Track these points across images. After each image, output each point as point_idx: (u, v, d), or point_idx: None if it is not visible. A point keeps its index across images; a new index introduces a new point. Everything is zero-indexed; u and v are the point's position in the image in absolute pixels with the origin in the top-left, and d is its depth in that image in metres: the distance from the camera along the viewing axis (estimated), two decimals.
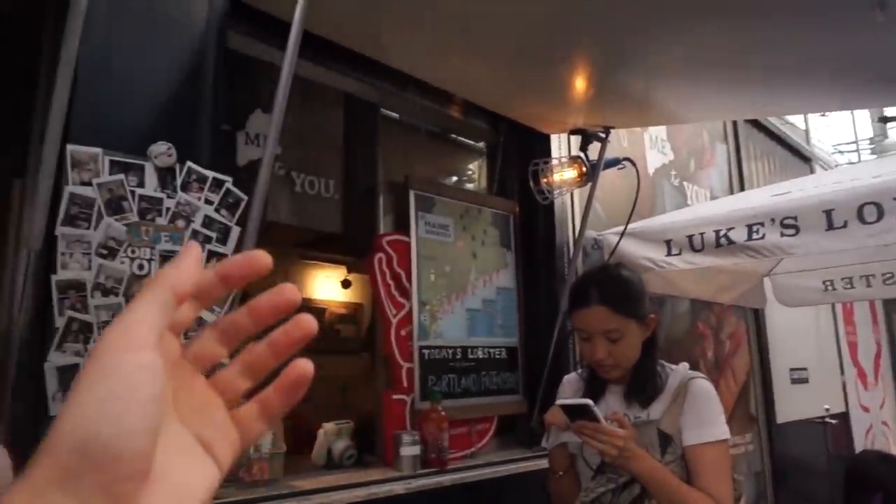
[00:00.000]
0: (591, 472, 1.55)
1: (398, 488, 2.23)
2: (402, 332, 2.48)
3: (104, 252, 1.55)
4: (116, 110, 1.61)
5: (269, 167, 1.57)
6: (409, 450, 2.34)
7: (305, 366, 0.35)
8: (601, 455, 1.42)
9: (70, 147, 1.49)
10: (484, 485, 2.49)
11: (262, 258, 0.33)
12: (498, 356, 2.87)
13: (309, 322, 0.35)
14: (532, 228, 3.13)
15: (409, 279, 2.52)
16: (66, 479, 0.25)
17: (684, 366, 1.60)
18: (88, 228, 1.53)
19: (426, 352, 2.55)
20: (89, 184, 1.53)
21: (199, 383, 0.33)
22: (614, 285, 1.52)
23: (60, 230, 1.49)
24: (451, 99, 2.85)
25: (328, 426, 2.52)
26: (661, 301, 3.72)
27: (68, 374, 1.51)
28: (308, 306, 5.27)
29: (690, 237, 2.78)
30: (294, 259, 4.86)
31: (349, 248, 3.24)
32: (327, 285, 5.33)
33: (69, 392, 0.27)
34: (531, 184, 2.79)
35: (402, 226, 2.58)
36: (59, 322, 1.49)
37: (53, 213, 1.48)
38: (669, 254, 2.86)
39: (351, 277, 5.23)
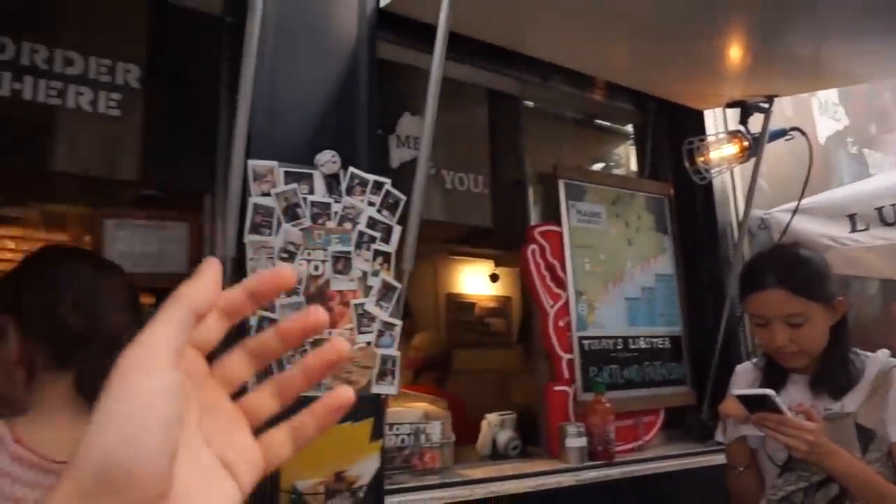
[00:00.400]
0: (777, 469, 1.42)
1: (567, 480, 2.21)
2: (560, 323, 2.45)
3: (284, 255, 1.70)
4: (286, 125, 1.75)
5: (425, 166, 1.63)
6: (576, 441, 2.30)
7: (347, 393, 0.35)
8: (788, 450, 1.30)
9: (251, 162, 1.64)
10: (654, 479, 2.39)
11: (287, 274, 0.34)
12: (661, 346, 2.74)
13: (342, 346, 0.35)
14: (690, 211, 2.95)
15: (563, 269, 2.48)
16: (87, 500, 0.25)
17: (884, 353, 1.42)
18: (270, 235, 1.68)
19: (586, 342, 2.50)
20: (268, 194, 1.68)
21: (225, 403, 0.33)
22: (792, 265, 1.39)
23: (248, 238, 1.65)
24: (594, 83, 2.76)
25: (492, 417, 2.56)
26: (846, 283, 3.34)
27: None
28: (459, 301, 5.40)
29: (880, 209, 2.46)
30: (442, 255, 5.00)
31: (500, 242, 3.27)
32: (476, 280, 5.41)
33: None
34: (686, 164, 2.63)
35: (552, 216, 2.55)
36: (253, 321, 1.65)
37: (241, 223, 1.64)
38: (854, 230, 2.56)
39: (498, 271, 5.28)
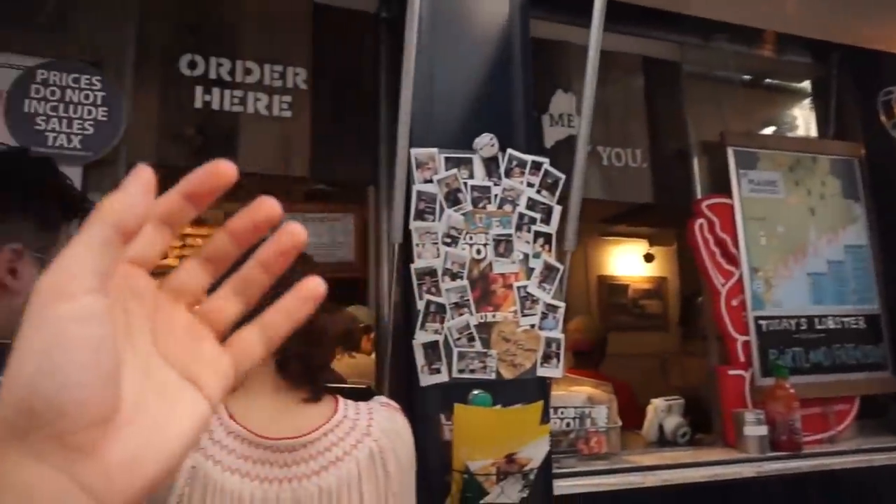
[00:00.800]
0: None
1: (747, 471, 2.05)
2: (734, 303, 2.27)
3: (448, 240, 1.73)
4: (444, 111, 1.77)
5: (585, 141, 1.57)
6: (755, 430, 2.13)
7: (316, 282, 0.32)
8: None
9: (413, 150, 1.69)
10: (848, 475, 2.15)
11: (225, 166, 0.30)
12: (854, 326, 2.44)
13: (297, 230, 0.31)
14: (887, 173, 2.59)
15: (735, 244, 2.29)
16: (18, 437, 0.24)
17: None
18: (434, 220, 1.72)
19: (763, 323, 2.30)
20: (430, 181, 1.72)
21: (181, 317, 0.31)
22: None
23: (413, 224, 1.70)
24: (763, 38, 2.51)
25: (658, 402, 2.44)
26: None
27: (430, 350, 1.72)
28: (611, 283, 5.23)
29: None
30: (593, 236, 4.86)
31: (659, 219, 3.10)
32: (629, 261, 5.21)
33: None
34: (882, 118, 2.30)
35: (721, 187, 2.36)
36: (420, 305, 1.71)
37: (407, 211, 1.69)
38: None
39: (653, 251, 5.03)
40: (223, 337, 0.31)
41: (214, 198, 0.30)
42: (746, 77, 2.70)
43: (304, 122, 2.05)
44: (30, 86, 1.75)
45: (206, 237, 3.97)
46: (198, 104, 1.98)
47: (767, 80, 2.79)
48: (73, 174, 1.68)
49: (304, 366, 0.92)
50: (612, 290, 5.27)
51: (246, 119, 2.01)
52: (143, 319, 0.29)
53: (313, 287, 0.32)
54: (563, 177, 1.81)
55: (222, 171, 0.30)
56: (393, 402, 1.07)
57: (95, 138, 1.78)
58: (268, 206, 0.31)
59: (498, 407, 1.71)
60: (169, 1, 2.01)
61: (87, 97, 1.79)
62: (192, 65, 1.99)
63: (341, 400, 0.98)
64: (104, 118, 1.79)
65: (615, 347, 4.59)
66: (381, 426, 0.95)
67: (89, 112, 1.79)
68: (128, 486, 0.25)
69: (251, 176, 2.10)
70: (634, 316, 5.28)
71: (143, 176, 0.27)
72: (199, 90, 1.98)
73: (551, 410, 1.98)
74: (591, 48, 1.55)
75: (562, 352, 1.84)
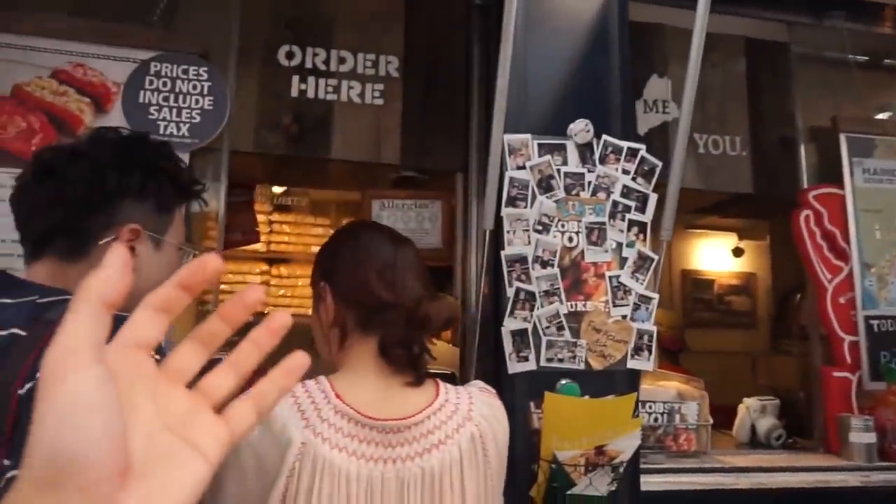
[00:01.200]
0: None
1: (852, 480, 1.93)
2: (841, 300, 2.13)
3: (539, 228, 1.71)
4: (539, 97, 1.75)
5: (686, 126, 1.51)
6: (862, 437, 2.00)
7: (301, 357, 0.36)
8: None
9: (506, 136, 1.68)
10: None
11: (213, 262, 0.34)
12: None
13: (283, 316, 0.36)
14: None
15: (845, 238, 2.15)
16: (47, 487, 0.28)
17: None
18: (525, 207, 1.70)
19: (875, 323, 2.15)
20: (523, 167, 1.70)
21: (179, 393, 0.34)
22: None
23: (505, 211, 1.69)
24: (881, 14, 2.32)
25: (750, 402, 2.34)
26: None
27: (519, 338, 1.71)
28: (696, 278, 5.04)
29: None
30: (678, 229, 4.69)
31: (755, 210, 2.95)
32: (716, 255, 4.99)
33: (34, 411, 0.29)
34: None
35: (831, 177, 2.22)
36: (509, 292, 1.70)
37: (499, 198, 1.68)
38: None
39: (743, 245, 4.80)
40: (220, 407, 0.35)
41: (204, 287, 0.34)
42: (862, 58, 2.51)
43: (396, 109, 2.07)
44: (144, 78, 1.86)
45: (291, 223, 4.09)
46: (294, 93, 2.04)
47: (887, 61, 2.58)
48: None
49: (407, 352, 0.94)
50: (696, 284, 5.08)
51: (340, 107, 2.06)
52: (146, 394, 0.32)
53: (299, 359, 0.36)
54: (659, 164, 1.75)
55: (210, 265, 0.34)
56: (490, 388, 1.07)
57: (202, 126, 1.87)
58: (255, 291, 0.35)
59: (587, 397, 1.69)
60: None
61: (194, 87, 1.88)
62: (290, 55, 2.06)
63: (442, 384, 0.99)
64: (210, 107, 1.88)
65: (697, 344, 4.43)
66: (482, 411, 0.96)
67: (196, 101, 1.88)
68: None
69: (342, 163, 2.15)
70: (719, 312, 5.07)
71: (120, 254, 0.31)
72: (295, 79, 2.05)
73: (639, 405, 1.93)
74: (696, 29, 1.48)
75: (654, 344, 1.79)
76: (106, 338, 0.30)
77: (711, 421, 2.10)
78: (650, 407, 2.05)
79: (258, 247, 4.29)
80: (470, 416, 0.94)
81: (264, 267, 4.58)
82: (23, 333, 0.73)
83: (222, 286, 3.12)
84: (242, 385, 0.36)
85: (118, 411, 0.29)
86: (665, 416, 2.06)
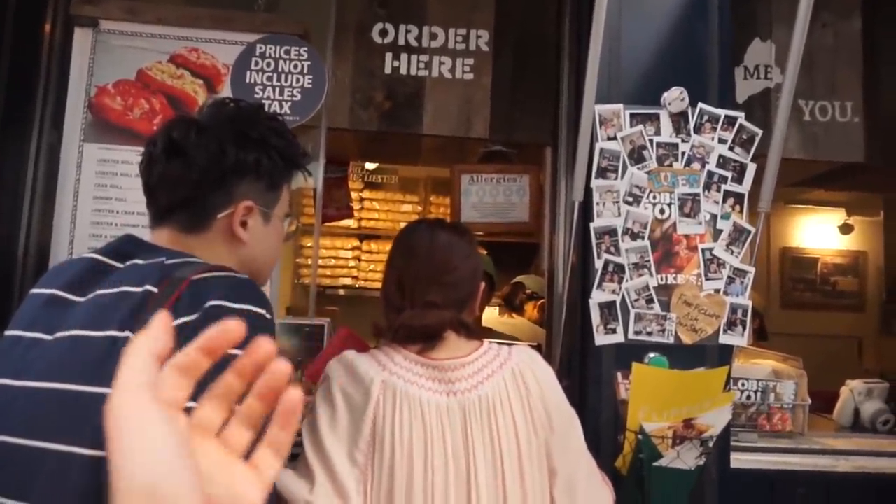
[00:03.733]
0: None
1: None
2: None
3: (630, 199, 1.70)
4: (631, 66, 1.73)
5: (791, 89, 1.45)
6: None
7: (293, 396, 0.36)
8: None
9: (597, 107, 1.67)
10: None
11: (235, 326, 0.35)
12: None
13: (283, 368, 0.36)
14: None
15: None
16: None
17: None
18: (616, 179, 1.70)
19: None
20: (614, 138, 1.69)
21: (211, 445, 0.36)
22: None
23: (595, 182, 1.69)
24: None
25: (855, 384, 2.23)
26: None
27: (606, 310, 1.72)
28: (796, 256, 4.77)
29: None
30: (778, 203, 4.45)
31: (867, 183, 2.76)
32: (820, 232, 4.71)
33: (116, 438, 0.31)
34: None
35: None
36: (598, 264, 1.71)
37: (588, 170, 1.69)
38: None
39: (852, 221, 4.49)
40: (243, 456, 0.37)
41: (224, 351, 0.35)
42: None
43: (486, 84, 2.10)
44: (250, 59, 1.98)
45: (381, 200, 4.23)
46: (387, 70, 2.12)
47: None
48: None
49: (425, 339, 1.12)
50: (797, 263, 4.81)
51: (431, 83, 2.11)
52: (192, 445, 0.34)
53: (293, 398, 0.37)
54: (759, 132, 1.69)
55: (231, 330, 0.35)
56: (532, 350, 1.27)
57: (302, 104, 1.98)
58: (265, 346, 0.36)
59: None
60: None
61: (295, 67, 1.99)
62: (384, 33, 2.13)
63: (485, 339, 1.18)
64: (309, 86, 1.98)
65: (797, 326, 4.21)
66: (519, 356, 1.15)
67: (297, 80, 1.98)
68: None
69: (432, 138, 2.21)
70: (823, 293, 4.79)
71: (163, 320, 0.35)
72: (388, 57, 2.12)
73: (731, 381, 1.89)
74: None
75: (748, 319, 1.75)
76: (155, 383, 0.33)
77: (809, 401, 2.02)
78: (743, 384, 2.00)
79: (350, 223, 4.46)
80: (510, 357, 1.14)
81: (355, 242, 4.77)
82: (155, 290, 0.80)
83: (319, 261, 3.27)
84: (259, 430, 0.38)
85: (190, 454, 0.32)
86: (759, 394, 2.00)
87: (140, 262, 0.87)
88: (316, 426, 1.06)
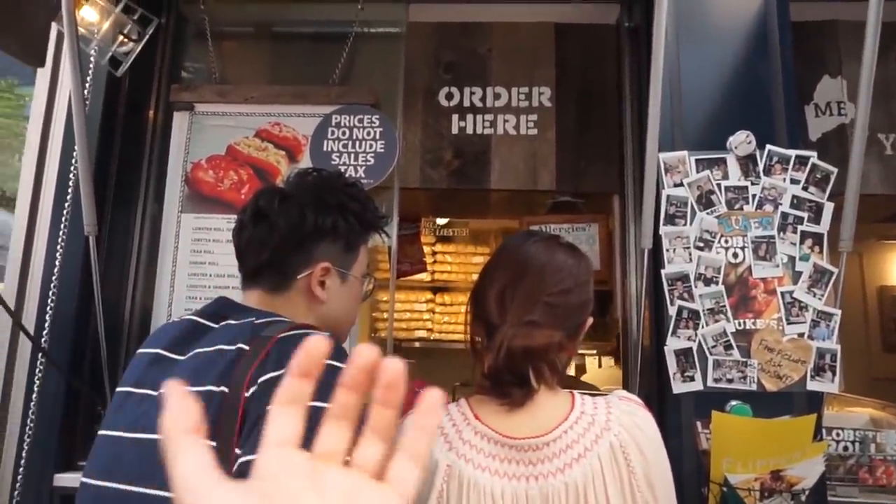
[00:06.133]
0: None
1: None
2: None
3: (701, 245, 1.69)
4: (694, 112, 1.74)
5: (864, 124, 1.42)
6: None
7: (434, 395, 0.35)
8: None
9: (661, 155, 1.69)
10: None
11: (318, 343, 0.35)
12: None
13: (395, 366, 0.35)
14: None
15: None
16: None
17: None
18: (685, 225, 1.69)
19: None
20: (681, 184, 1.70)
21: (337, 474, 0.34)
22: None
23: (663, 229, 1.69)
24: None
25: None
26: None
27: (683, 357, 1.68)
28: (889, 294, 4.45)
29: None
30: (871, 240, 4.21)
31: None
32: None
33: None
34: None
35: None
36: (671, 311, 1.69)
37: (656, 216, 1.69)
38: None
39: None
40: (380, 474, 0.35)
41: (318, 371, 0.35)
42: None
43: (550, 137, 2.17)
44: (327, 129, 2.14)
45: (452, 253, 4.31)
46: (454, 130, 2.22)
47: None
48: None
49: (514, 378, 0.95)
50: (880, 302, 4.48)
51: (497, 140, 2.20)
52: (306, 485, 0.33)
53: (433, 398, 0.36)
54: (834, 170, 1.65)
55: (316, 347, 0.35)
56: (634, 397, 1.04)
57: (375, 168, 2.10)
58: (367, 351, 0.35)
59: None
60: (429, 44, 2.30)
61: (368, 134, 2.13)
62: (450, 96, 2.25)
63: (577, 395, 0.99)
64: (381, 150, 2.11)
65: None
66: (620, 420, 0.94)
67: (370, 146, 2.12)
68: None
69: (500, 192, 2.27)
70: None
71: (175, 391, 0.35)
72: (455, 118, 2.23)
73: (823, 431, 1.79)
74: (869, 20, 1.39)
75: (838, 364, 1.66)
76: (211, 459, 0.33)
77: None
78: (837, 434, 1.88)
79: (424, 276, 4.57)
80: (608, 425, 0.93)
81: (429, 295, 4.86)
82: (246, 347, 0.86)
83: (395, 314, 3.37)
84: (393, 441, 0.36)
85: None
86: (857, 444, 1.87)
87: (233, 322, 0.95)
88: None
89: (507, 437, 0.91)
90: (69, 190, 1.85)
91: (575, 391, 1.00)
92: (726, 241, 1.68)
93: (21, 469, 1.67)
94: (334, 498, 0.33)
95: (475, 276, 1.08)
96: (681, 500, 1.63)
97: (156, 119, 2.18)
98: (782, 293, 1.67)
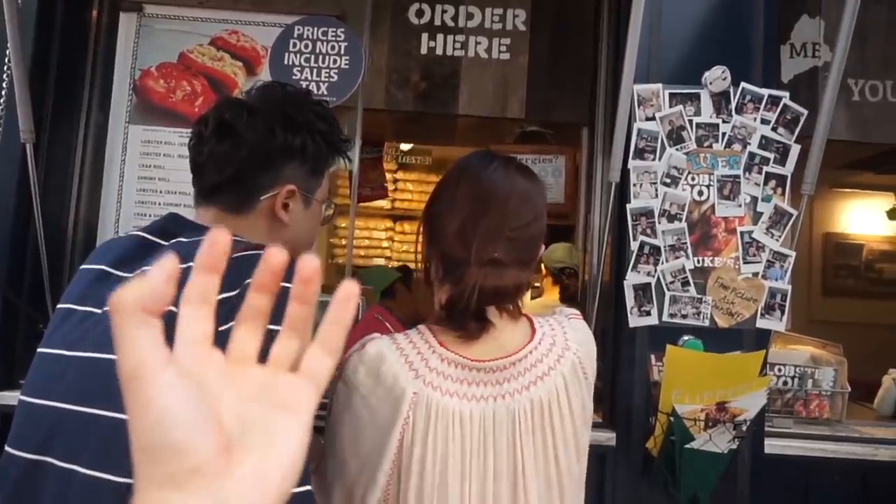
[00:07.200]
0: None
1: None
2: None
3: (667, 181, 1.68)
4: (671, 45, 1.70)
5: (840, 66, 1.41)
6: None
7: (349, 285, 0.36)
8: None
9: (635, 87, 1.65)
10: None
11: (221, 236, 0.35)
12: None
13: (310, 262, 0.35)
14: None
15: None
16: (165, 480, 0.31)
17: None
18: (654, 160, 1.68)
19: None
20: (653, 118, 1.67)
21: (252, 371, 0.35)
22: None
23: (632, 163, 1.67)
24: None
25: None
26: None
27: (641, 292, 1.71)
28: (840, 242, 4.64)
29: None
30: (822, 187, 4.32)
31: None
32: (866, 217, 4.56)
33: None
34: None
35: None
36: (633, 246, 1.69)
37: (626, 150, 1.67)
38: None
39: None
40: (296, 367, 0.36)
41: (224, 263, 0.35)
42: None
43: (522, 63, 2.09)
44: (289, 41, 2.00)
45: (414, 181, 4.25)
46: (423, 50, 2.11)
47: None
48: None
49: (474, 318, 0.93)
50: (840, 249, 4.68)
51: (467, 63, 2.11)
52: (222, 381, 0.35)
53: (348, 290, 0.37)
54: (805, 112, 1.65)
55: (219, 240, 0.35)
56: (576, 311, 1.07)
57: (339, 85, 2.00)
58: (274, 255, 0.35)
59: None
60: None
61: (332, 48, 2.01)
62: (420, 13, 2.13)
63: (535, 318, 1.00)
64: (346, 67, 2.00)
65: (840, 315, 4.11)
66: (577, 338, 0.98)
67: (334, 62, 2.00)
68: (262, 495, 0.32)
69: (467, 118, 2.21)
70: (868, 281, 4.65)
71: (167, 265, 0.33)
72: (424, 37, 2.12)
73: (768, 366, 1.87)
74: None
75: (787, 304, 1.72)
76: (159, 337, 0.32)
77: (849, 389, 1.98)
78: (780, 370, 1.97)
79: (384, 204, 4.51)
80: (568, 345, 0.97)
81: (389, 223, 4.82)
82: None
83: (354, 241, 3.31)
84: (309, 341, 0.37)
85: (200, 400, 0.32)
86: (796, 380, 1.97)
87: (184, 239, 0.90)
88: (336, 442, 0.93)
89: (474, 360, 0.92)
90: (2, 94, 1.70)
91: (531, 314, 1.01)
92: (693, 179, 1.68)
93: None
94: (250, 389, 0.35)
95: None
96: (629, 429, 1.71)
97: (100, 20, 2.00)
98: (741, 233, 1.69)
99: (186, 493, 0.31)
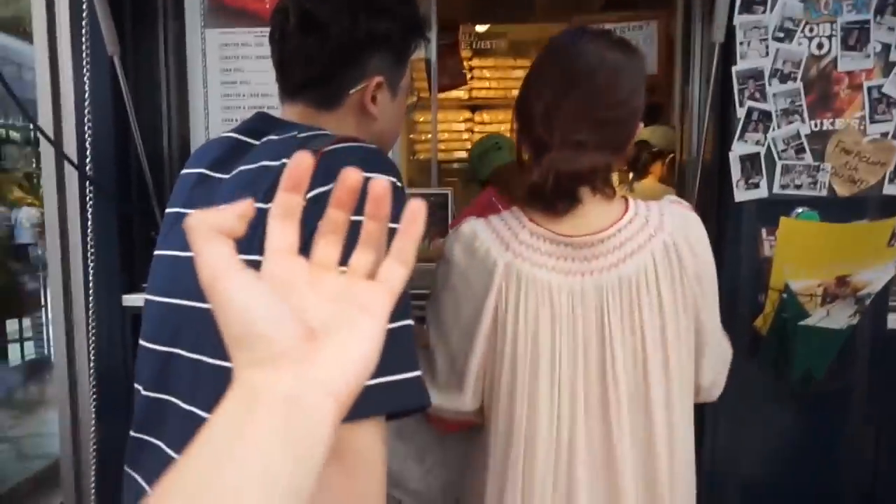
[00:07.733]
0: None
1: None
2: None
3: (781, 35, 1.49)
4: None
5: None
6: None
7: (417, 204, 0.39)
8: None
9: None
10: None
11: (305, 158, 0.39)
12: None
13: (380, 183, 0.39)
14: None
15: None
16: (258, 363, 0.35)
17: None
18: (764, 13, 1.49)
19: None
20: None
21: (332, 276, 0.40)
22: None
23: (738, 19, 1.49)
24: None
25: None
26: None
27: (749, 163, 1.58)
28: None
29: None
30: None
31: None
32: None
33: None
34: None
35: None
36: (740, 112, 1.55)
37: (731, 5, 1.48)
38: None
39: None
40: (372, 276, 0.40)
41: (307, 184, 0.39)
42: None
43: None
44: None
45: (490, 68, 4.05)
46: None
47: None
48: None
49: (560, 197, 0.94)
50: None
51: None
52: (305, 284, 0.39)
53: (416, 210, 0.40)
54: None
55: (302, 163, 0.39)
56: (684, 201, 1.04)
57: None
58: (351, 174, 0.39)
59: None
60: None
61: None
62: None
63: (631, 200, 0.98)
64: None
65: None
66: (673, 221, 0.95)
67: None
68: (341, 376, 0.37)
69: None
70: None
71: (240, 206, 0.38)
72: None
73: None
74: None
75: None
76: (234, 250, 0.37)
77: None
78: None
79: (461, 94, 4.36)
80: (662, 226, 0.94)
81: (467, 114, 4.69)
82: None
83: (430, 135, 3.25)
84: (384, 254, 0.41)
85: (277, 297, 0.37)
86: None
87: (275, 137, 0.89)
88: (441, 314, 0.99)
89: (564, 235, 0.93)
90: (84, 10, 1.71)
91: (628, 196, 1.00)
92: (811, 30, 1.48)
93: (90, 294, 1.76)
94: (331, 291, 0.39)
95: (516, 93, 1.01)
96: (735, 308, 1.64)
97: None
98: (869, 88, 1.50)
99: (277, 372, 0.35)
